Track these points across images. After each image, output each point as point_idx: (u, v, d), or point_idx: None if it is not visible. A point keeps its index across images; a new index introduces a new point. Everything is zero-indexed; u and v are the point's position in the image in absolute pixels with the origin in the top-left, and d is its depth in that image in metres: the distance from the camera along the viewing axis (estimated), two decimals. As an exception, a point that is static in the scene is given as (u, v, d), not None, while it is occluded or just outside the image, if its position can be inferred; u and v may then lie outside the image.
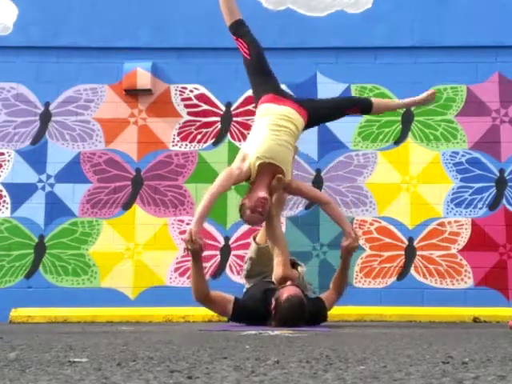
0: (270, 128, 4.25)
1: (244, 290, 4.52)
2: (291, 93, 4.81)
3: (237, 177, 4.15)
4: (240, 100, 5.87)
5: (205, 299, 4.18)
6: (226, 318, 5.11)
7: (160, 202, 5.74)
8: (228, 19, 4.58)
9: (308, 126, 4.53)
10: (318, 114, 4.55)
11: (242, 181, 4.20)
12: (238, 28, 4.56)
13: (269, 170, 4.14)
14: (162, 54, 5.90)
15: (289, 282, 4.11)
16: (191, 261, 4.13)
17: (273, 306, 4.02)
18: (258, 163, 4.10)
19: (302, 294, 4.04)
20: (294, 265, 4.45)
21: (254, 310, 4.16)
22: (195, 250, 4.03)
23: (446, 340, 2.95)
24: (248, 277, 4.49)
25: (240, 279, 5.25)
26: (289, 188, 4.33)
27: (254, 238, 4.54)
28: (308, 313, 4.05)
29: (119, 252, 5.66)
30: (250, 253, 4.53)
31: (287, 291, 4.00)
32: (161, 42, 5.92)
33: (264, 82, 4.52)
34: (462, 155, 5.77)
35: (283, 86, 5.90)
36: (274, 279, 4.24)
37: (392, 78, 5.84)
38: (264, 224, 4.37)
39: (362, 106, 4.67)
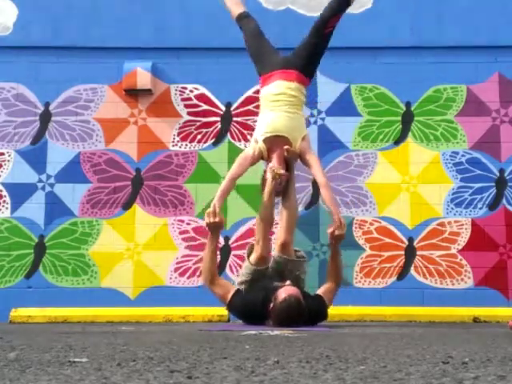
0: (267, 107, 4.51)
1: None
2: (284, 54, 4.77)
3: (251, 157, 4.44)
4: (240, 100, 5.87)
5: (211, 281, 4.30)
6: (226, 318, 5.13)
7: (160, 202, 5.74)
8: (232, 16, 4.91)
9: (311, 73, 4.65)
10: (310, 59, 4.59)
11: (258, 160, 4.48)
12: (238, 23, 4.89)
13: (277, 142, 4.39)
14: (161, 54, 5.90)
15: (288, 282, 4.11)
16: (208, 237, 4.31)
17: (271, 305, 4.02)
18: (262, 139, 4.39)
19: (300, 295, 4.03)
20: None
21: (251, 306, 4.15)
22: (216, 224, 4.22)
23: (446, 340, 2.95)
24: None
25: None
26: (301, 157, 4.46)
27: (248, 256, 4.38)
28: (308, 312, 4.04)
29: (119, 252, 5.66)
30: (245, 275, 4.33)
31: (285, 291, 3.99)
32: (161, 42, 5.91)
33: (258, 67, 4.77)
34: (462, 155, 5.77)
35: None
36: (276, 244, 4.38)
37: (392, 77, 5.84)
38: (255, 247, 4.41)
39: (339, 6, 4.56)
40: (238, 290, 4.26)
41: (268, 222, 4.46)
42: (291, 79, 4.51)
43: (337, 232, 4.25)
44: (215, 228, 4.28)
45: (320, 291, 4.36)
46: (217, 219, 4.22)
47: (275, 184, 4.35)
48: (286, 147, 4.35)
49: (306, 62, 4.58)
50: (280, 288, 4.04)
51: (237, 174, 4.44)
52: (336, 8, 4.55)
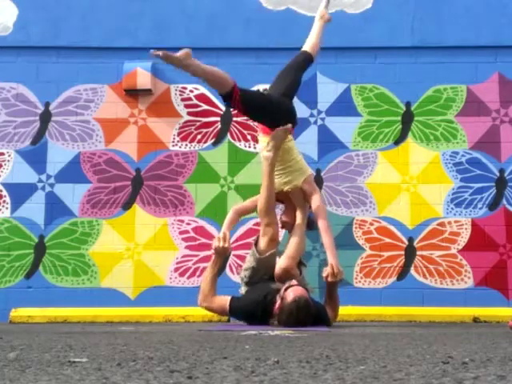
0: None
1: (240, 294, 4.50)
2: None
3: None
4: (240, 100, 5.86)
5: (206, 301, 4.39)
6: (226, 318, 5.13)
7: (160, 202, 5.74)
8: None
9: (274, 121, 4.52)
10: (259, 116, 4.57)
11: None
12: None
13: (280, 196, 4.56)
14: (161, 54, 5.89)
15: (294, 281, 4.11)
16: (212, 261, 4.44)
17: (277, 305, 4.01)
18: None
19: (307, 295, 4.04)
20: (298, 263, 4.52)
21: (251, 305, 4.17)
22: (224, 249, 4.37)
23: (446, 340, 2.95)
24: (249, 284, 4.46)
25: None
26: (306, 199, 4.55)
27: (256, 244, 4.50)
28: (313, 314, 4.06)
29: (119, 252, 5.66)
30: (250, 262, 4.47)
31: (294, 292, 3.99)
32: (161, 42, 5.90)
33: None
34: (462, 155, 5.77)
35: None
36: (276, 269, 4.33)
37: (392, 77, 5.84)
38: (263, 231, 4.46)
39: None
40: (232, 297, 4.31)
41: (272, 208, 4.47)
42: (262, 132, 4.66)
43: (329, 279, 4.28)
44: (222, 253, 4.43)
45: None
46: (226, 244, 4.37)
47: (271, 163, 4.38)
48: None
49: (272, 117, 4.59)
50: (288, 288, 4.04)
51: (244, 209, 4.66)
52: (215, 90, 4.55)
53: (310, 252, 5.48)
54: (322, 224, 4.41)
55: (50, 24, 5.91)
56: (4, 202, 5.72)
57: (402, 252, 5.64)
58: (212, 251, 4.49)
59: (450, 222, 5.67)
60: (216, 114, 5.86)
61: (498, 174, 5.72)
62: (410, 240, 5.66)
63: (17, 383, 1.47)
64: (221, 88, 4.29)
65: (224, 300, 4.32)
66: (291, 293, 3.99)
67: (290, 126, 4.39)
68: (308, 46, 4.89)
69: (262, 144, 4.61)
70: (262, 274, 4.39)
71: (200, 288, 4.46)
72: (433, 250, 5.63)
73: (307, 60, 4.82)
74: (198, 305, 4.45)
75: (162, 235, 5.69)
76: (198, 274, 5.61)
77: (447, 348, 2.40)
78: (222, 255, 4.46)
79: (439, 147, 5.79)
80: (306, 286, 4.45)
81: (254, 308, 4.16)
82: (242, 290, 4.49)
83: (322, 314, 4.23)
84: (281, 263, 4.33)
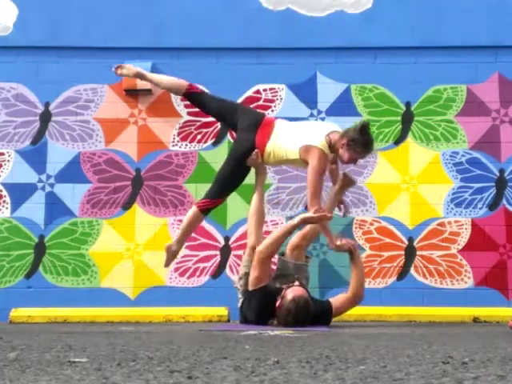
0: None
1: (239, 304, 4.47)
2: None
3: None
4: (240, 100, 5.86)
5: (266, 258, 4.25)
6: (226, 318, 5.14)
7: (160, 202, 5.74)
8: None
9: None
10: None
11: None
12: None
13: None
14: (161, 54, 5.89)
15: (297, 283, 4.12)
16: (293, 224, 4.41)
17: (277, 304, 4.02)
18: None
19: (307, 296, 4.05)
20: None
21: (266, 305, 4.16)
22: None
23: (446, 340, 2.95)
24: (244, 293, 4.43)
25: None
26: None
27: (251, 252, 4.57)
28: (312, 314, 4.06)
29: (119, 252, 5.66)
30: (242, 270, 4.50)
31: (294, 292, 4.00)
32: (160, 42, 5.91)
33: None
34: (462, 155, 5.77)
35: (283, 86, 5.96)
36: (290, 243, 4.60)
37: (392, 77, 5.84)
38: (250, 236, 4.60)
39: None
40: (266, 286, 4.24)
41: (259, 213, 4.58)
42: None
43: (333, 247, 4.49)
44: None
45: (332, 298, 4.42)
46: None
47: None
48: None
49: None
50: (288, 288, 4.05)
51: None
52: None
53: (309, 252, 5.48)
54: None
55: (50, 24, 5.91)
56: (4, 202, 5.72)
57: (402, 252, 5.64)
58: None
59: (450, 222, 5.67)
60: (216, 114, 5.85)
61: (497, 174, 5.72)
62: (410, 240, 5.65)
63: (17, 383, 1.47)
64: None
65: (263, 279, 4.22)
66: (291, 293, 3.99)
67: (256, 151, 4.51)
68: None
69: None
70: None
71: (268, 241, 4.34)
72: (433, 250, 5.63)
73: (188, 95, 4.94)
74: (260, 252, 4.28)
75: (161, 235, 5.68)
76: (197, 273, 5.61)
77: (447, 348, 2.40)
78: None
79: (439, 147, 5.79)
80: (308, 277, 4.51)
81: (265, 309, 4.16)
82: (240, 297, 4.48)
83: (322, 312, 4.23)
84: (294, 240, 4.55)
